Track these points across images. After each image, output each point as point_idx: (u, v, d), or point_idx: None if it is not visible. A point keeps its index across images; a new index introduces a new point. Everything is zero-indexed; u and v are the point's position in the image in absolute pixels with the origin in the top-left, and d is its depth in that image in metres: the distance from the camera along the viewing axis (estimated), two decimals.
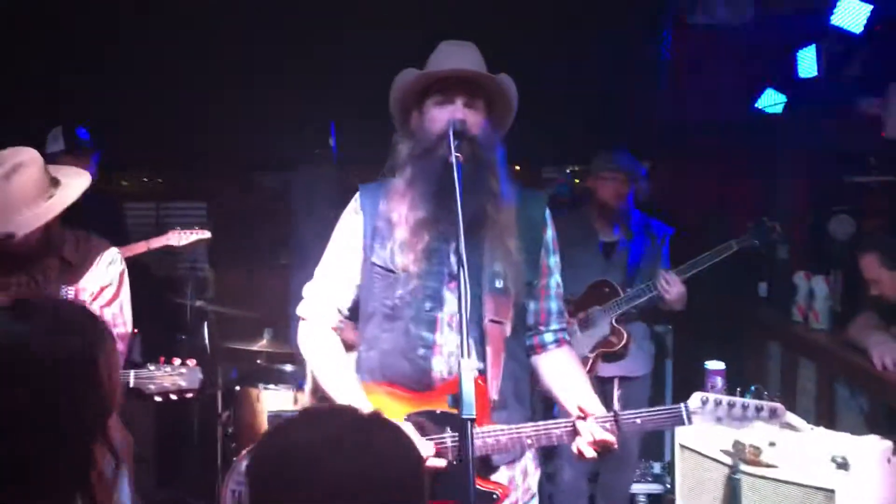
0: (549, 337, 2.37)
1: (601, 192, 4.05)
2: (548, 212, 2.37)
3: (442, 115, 2.19)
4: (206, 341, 4.66)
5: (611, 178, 4.00)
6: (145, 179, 6.49)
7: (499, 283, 2.20)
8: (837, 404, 3.77)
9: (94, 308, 2.71)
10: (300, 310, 2.37)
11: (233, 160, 5.69)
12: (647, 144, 4.97)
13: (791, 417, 2.70)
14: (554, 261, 2.36)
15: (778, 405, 2.14)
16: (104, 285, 2.73)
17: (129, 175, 6.43)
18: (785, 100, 5.21)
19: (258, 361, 4.53)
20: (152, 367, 2.65)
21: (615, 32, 4.83)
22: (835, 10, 4.79)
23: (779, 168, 5.03)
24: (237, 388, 4.40)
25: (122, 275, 2.79)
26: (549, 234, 2.35)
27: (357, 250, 2.31)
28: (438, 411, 2.14)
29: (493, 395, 2.18)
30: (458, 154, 2.04)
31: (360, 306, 2.34)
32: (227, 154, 5.53)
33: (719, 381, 2.72)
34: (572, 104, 4.97)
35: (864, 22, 4.76)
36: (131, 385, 2.60)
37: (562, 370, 2.34)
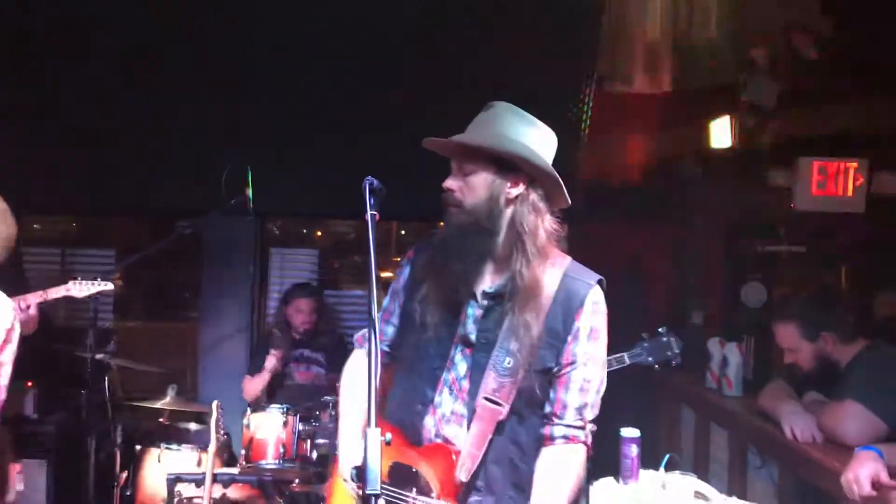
0: (558, 431, 2.17)
1: None
2: (592, 296, 2.19)
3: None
4: (107, 396, 4.42)
5: None
6: (57, 224, 6.26)
7: (507, 363, 2.10)
8: (749, 473, 3.79)
9: None
10: (360, 333, 2.44)
11: (145, 206, 5.51)
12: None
13: (704, 487, 2.70)
14: (584, 350, 2.17)
15: None
16: None
17: (39, 219, 6.19)
18: (699, 168, 5.36)
19: (161, 420, 4.32)
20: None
21: (536, 97, 4.89)
22: (747, 86, 5.00)
23: (693, 235, 5.13)
24: (137, 447, 4.19)
25: (9, 333, 2.59)
26: (586, 320, 2.17)
27: (400, 296, 2.36)
28: (413, 469, 2.11)
29: (463, 475, 2.09)
30: (373, 212, 2.00)
31: (395, 350, 2.36)
32: (139, 199, 5.36)
33: (634, 449, 2.68)
34: None
35: (775, 98, 4.98)
36: None
37: (548, 467, 2.16)
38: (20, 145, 4.85)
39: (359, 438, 2.17)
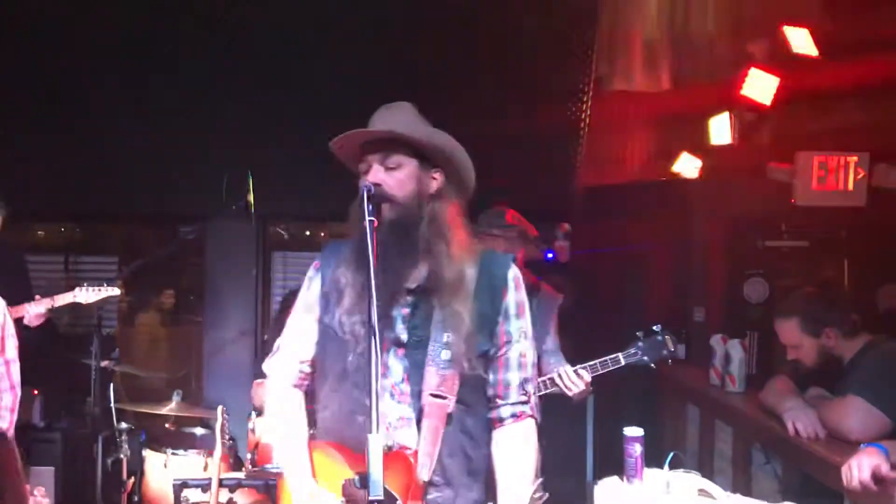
0: (506, 411, 2.22)
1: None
2: (512, 273, 2.23)
3: (361, 182, 2.13)
4: (112, 404, 4.44)
5: (500, 236, 3.67)
6: (62, 229, 6.27)
7: (445, 355, 2.11)
8: (753, 469, 3.79)
9: None
10: (264, 366, 2.36)
11: (149, 211, 5.53)
12: (564, 206, 5.03)
13: (707, 485, 2.70)
14: (516, 326, 2.21)
15: None
16: None
17: (44, 226, 6.21)
18: (699, 164, 5.37)
19: (166, 425, 4.34)
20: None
21: (537, 97, 4.91)
22: (745, 82, 5.00)
23: (694, 232, 5.13)
24: (143, 453, 4.20)
25: (3, 329, 2.59)
26: (511, 297, 2.21)
27: (314, 311, 2.28)
28: (344, 480, 2.06)
29: (424, 475, 2.08)
30: (371, 219, 1.97)
31: (318, 365, 2.29)
32: (142, 205, 5.38)
33: (638, 448, 2.68)
34: (494, 165, 4.98)
35: (773, 93, 4.98)
36: None
37: (506, 449, 2.21)
38: (24, 152, 4.88)
39: (306, 457, 2.18)
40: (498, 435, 2.23)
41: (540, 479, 3.58)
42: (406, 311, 2.15)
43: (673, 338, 3.45)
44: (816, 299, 3.40)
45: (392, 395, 2.14)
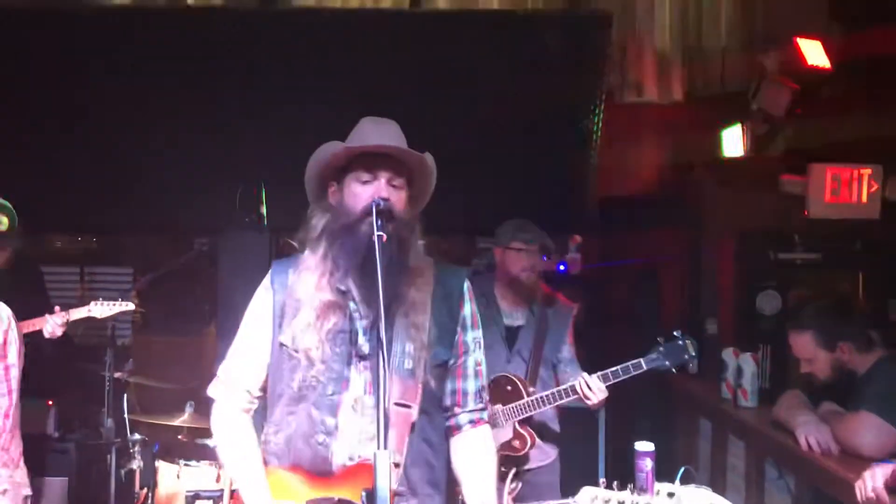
0: (464, 418, 2.28)
1: (510, 265, 3.75)
2: (466, 285, 2.30)
3: (365, 192, 2.13)
4: (125, 414, 4.46)
5: (523, 249, 3.72)
6: (78, 240, 6.33)
7: (408, 364, 2.14)
8: (766, 484, 3.77)
9: None
10: (211, 391, 2.30)
11: (163, 223, 5.57)
12: (578, 219, 5.02)
13: (719, 500, 2.69)
14: (472, 337, 2.29)
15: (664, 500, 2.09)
16: None
17: (60, 237, 6.27)
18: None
19: (179, 436, 4.35)
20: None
21: (550, 109, 4.93)
22: (758, 93, 4.99)
23: (706, 244, 5.12)
24: (156, 463, 4.21)
25: (7, 333, 2.59)
26: (467, 308, 2.29)
27: (267, 329, 2.24)
28: (336, 499, 2.02)
29: (394, 484, 2.06)
30: (380, 233, 1.99)
31: (269, 386, 2.26)
32: (158, 216, 5.41)
33: (649, 463, 2.66)
34: (507, 177, 5.00)
35: (786, 105, 4.97)
36: None
37: (467, 454, 2.27)
38: (42, 165, 4.93)
39: (263, 476, 2.16)
40: (456, 442, 2.28)
41: (513, 470, 3.64)
42: (365, 323, 2.16)
43: (693, 343, 3.45)
44: (830, 312, 3.37)
45: (355, 409, 2.14)
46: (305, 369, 2.14)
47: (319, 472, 2.14)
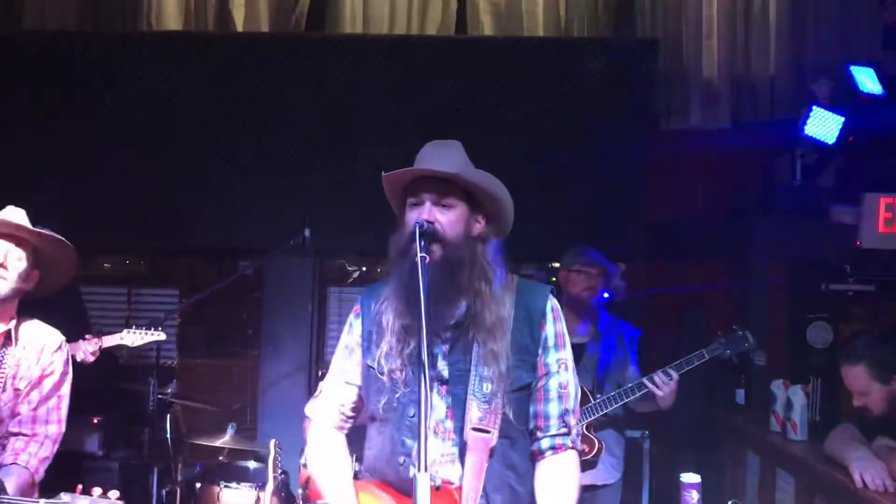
0: (545, 443, 2.24)
1: (572, 286, 3.98)
2: (550, 305, 2.27)
3: (412, 216, 2.16)
4: (168, 435, 4.50)
5: (583, 272, 3.96)
6: (127, 262, 6.44)
7: (486, 388, 2.13)
8: None
9: (31, 401, 2.59)
10: (307, 408, 2.42)
11: (210, 245, 5.65)
12: (623, 246, 4.98)
13: None
14: (556, 358, 2.25)
15: None
16: (46, 373, 2.60)
17: (108, 259, 6.39)
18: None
19: (220, 458, 4.37)
20: (66, 498, 2.41)
21: (597, 136, 4.91)
22: (808, 120, 4.91)
23: (755, 273, 5.02)
24: (198, 485, 4.23)
25: (66, 364, 2.67)
26: (550, 329, 2.25)
27: (356, 353, 2.32)
28: None
29: None
30: (423, 255, 1.99)
31: (365, 406, 2.34)
32: (205, 239, 5.49)
33: (695, 495, 2.60)
34: (550, 203, 4.98)
35: (837, 133, 4.87)
36: None
37: (546, 481, 2.21)
38: (91, 189, 5.03)
39: (352, 493, 2.19)
40: (539, 467, 2.24)
41: None
42: (446, 347, 2.18)
43: (752, 334, 3.75)
44: (885, 344, 3.28)
45: (435, 433, 2.15)
46: (390, 392, 2.18)
47: (402, 490, 2.17)
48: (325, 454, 2.32)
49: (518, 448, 2.21)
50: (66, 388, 2.66)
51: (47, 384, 2.62)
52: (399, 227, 2.26)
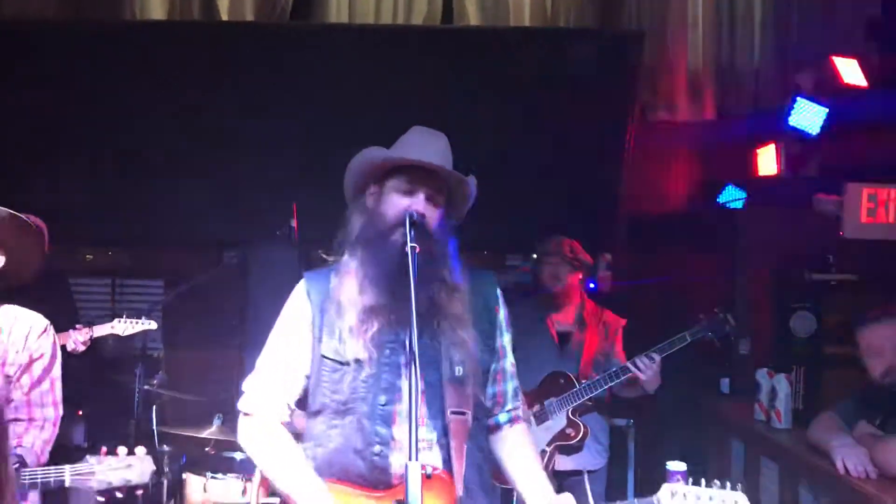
0: (503, 417, 2.34)
1: (541, 276, 4.07)
2: (498, 290, 2.35)
3: (401, 203, 2.14)
4: (154, 426, 4.47)
5: (548, 262, 4.03)
6: (109, 253, 6.38)
7: (458, 372, 2.15)
8: None
9: (23, 386, 2.57)
10: (243, 405, 2.24)
11: (194, 236, 5.62)
12: (608, 236, 5.00)
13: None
14: (507, 339, 2.35)
15: (742, 496, 2.13)
16: (35, 357, 2.58)
17: (92, 250, 6.34)
18: (745, 196, 5.30)
19: (206, 449, 4.35)
20: (92, 460, 2.38)
21: (580, 126, 4.92)
22: (792, 112, 4.95)
23: (739, 264, 5.06)
24: (184, 476, 4.22)
25: (54, 347, 2.63)
26: (502, 312, 2.34)
27: (305, 341, 2.21)
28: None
29: (460, 491, 2.10)
30: (413, 245, 2.00)
31: (308, 400, 2.22)
32: (189, 230, 5.47)
33: (680, 482, 2.62)
34: (538, 195, 5.00)
35: (821, 124, 4.91)
36: (67, 484, 2.34)
37: (514, 448, 2.31)
38: (74, 179, 5.00)
39: (320, 484, 2.07)
40: (499, 440, 2.32)
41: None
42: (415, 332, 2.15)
43: (732, 317, 3.80)
44: None
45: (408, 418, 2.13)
46: (354, 377, 2.12)
47: (374, 483, 2.09)
48: (278, 447, 2.17)
49: (481, 428, 2.27)
50: (57, 371, 2.61)
51: (37, 368, 2.59)
52: (365, 208, 2.23)
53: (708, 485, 2.15)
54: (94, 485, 2.37)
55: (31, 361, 2.59)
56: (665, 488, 2.11)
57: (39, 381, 2.60)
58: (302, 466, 2.12)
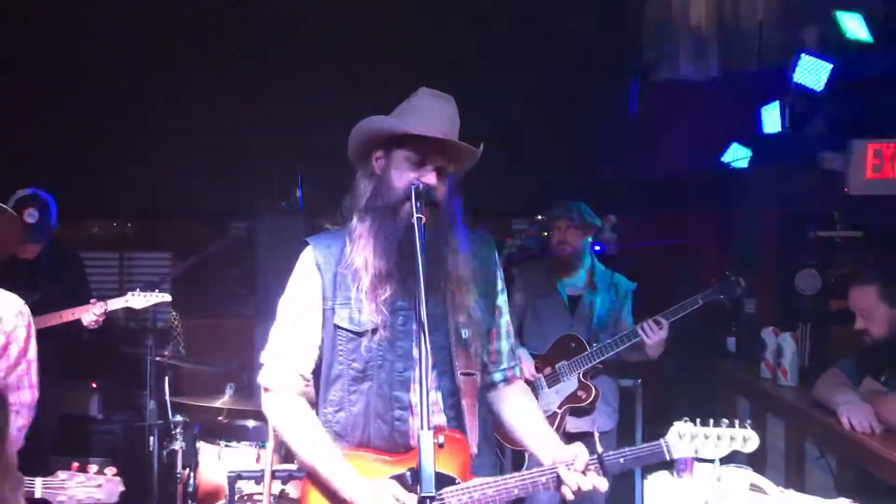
0: (498, 376, 2.37)
1: (552, 240, 4.09)
2: (495, 251, 2.39)
3: (411, 174, 2.13)
4: (167, 396, 4.53)
5: (561, 226, 4.03)
6: (115, 225, 6.41)
7: (465, 334, 2.19)
8: (807, 463, 3.73)
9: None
10: (262, 379, 2.26)
11: (200, 207, 5.64)
12: (614, 198, 5.00)
13: (759, 480, 2.68)
14: (503, 299, 2.38)
15: (750, 433, 2.20)
16: (10, 340, 2.37)
17: (99, 222, 6.37)
18: (750, 154, 5.28)
19: (220, 418, 4.40)
20: (63, 476, 2.38)
21: (586, 90, 4.90)
22: (796, 68, 4.90)
23: (745, 222, 5.05)
24: (197, 444, 4.28)
25: (29, 328, 2.57)
26: (499, 273, 2.37)
27: (316, 310, 2.21)
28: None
29: (474, 449, 2.19)
30: (419, 216, 2.01)
31: (323, 369, 2.24)
32: (195, 201, 5.49)
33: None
34: (543, 158, 4.99)
35: (826, 80, 4.87)
36: (37, 496, 2.34)
37: (516, 409, 2.35)
38: (81, 152, 5.01)
39: (343, 459, 2.11)
40: (499, 397, 2.37)
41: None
42: (422, 296, 2.13)
43: (744, 280, 3.79)
44: None
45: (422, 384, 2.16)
46: (369, 343, 2.14)
47: (396, 447, 2.14)
48: (302, 424, 2.19)
49: (481, 386, 2.32)
50: (32, 353, 2.52)
51: (13, 351, 2.49)
52: (372, 174, 2.22)
53: (716, 424, 2.19)
54: (63, 499, 2.38)
55: (7, 344, 2.48)
56: (673, 429, 2.16)
57: (17, 363, 2.45)
58: (327, 450, 2.14)
